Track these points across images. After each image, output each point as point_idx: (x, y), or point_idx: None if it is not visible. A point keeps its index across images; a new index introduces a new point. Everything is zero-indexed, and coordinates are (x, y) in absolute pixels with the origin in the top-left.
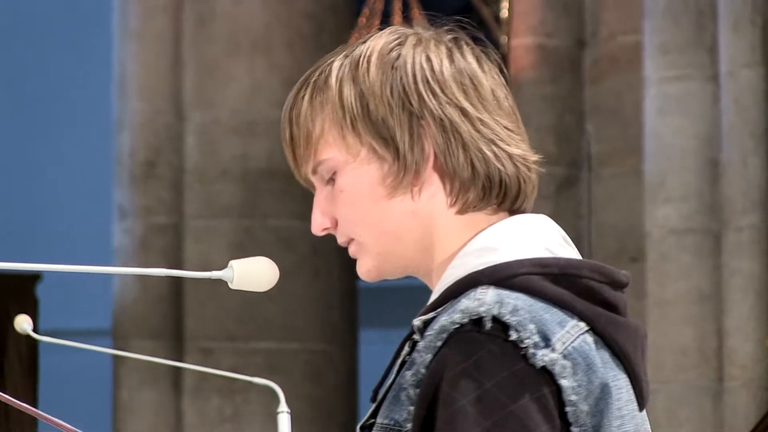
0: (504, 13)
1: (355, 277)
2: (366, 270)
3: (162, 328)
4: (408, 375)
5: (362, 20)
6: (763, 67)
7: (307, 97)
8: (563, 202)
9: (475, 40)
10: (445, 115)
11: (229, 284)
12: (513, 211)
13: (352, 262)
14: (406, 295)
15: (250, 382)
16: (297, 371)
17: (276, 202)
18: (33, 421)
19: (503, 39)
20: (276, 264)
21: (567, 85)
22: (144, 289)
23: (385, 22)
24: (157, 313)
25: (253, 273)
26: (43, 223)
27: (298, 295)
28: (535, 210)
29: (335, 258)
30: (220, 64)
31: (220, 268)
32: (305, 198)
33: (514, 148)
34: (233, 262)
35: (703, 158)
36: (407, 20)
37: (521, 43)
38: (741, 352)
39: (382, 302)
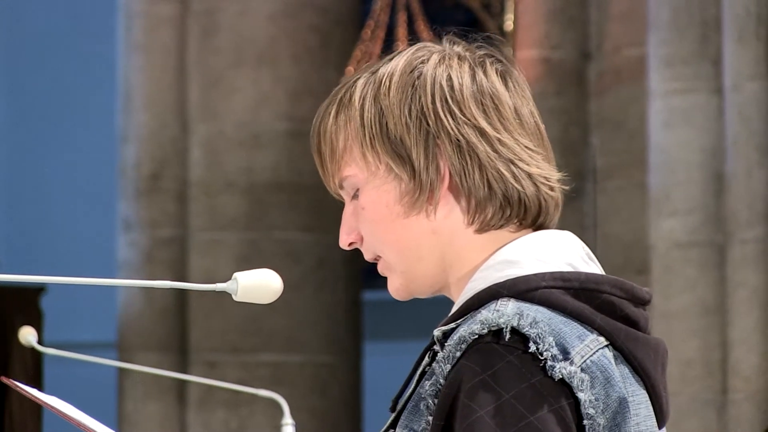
0: (509, 25)
1: (360, 289)
2: (395, 288)
3: (167, 341)
4: (427, 385)
5: (367, 33)
6: (767, 80)
7: (333, 113)
8: (568, 214)
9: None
10: (462, 136)
11: (234, 296)
12: (536, 228)
13: (358, 275)
14: (411, 308)
15: (255, 395)
16: (302, 383)
17: (281, 215)
18: (37, 426)
19: (508, 52)
20: (281, 276)
21: (572, 97)
22: (149, 301)
23: (390, 34)
24: (162, 325)
25: (258, 285)
26: (48, 235)
27: (302, 308)
28: None
29: (340, 271)
30: (225, 77)
31: (225, 281)
32: (310, 210)
33: (534, 167)
34: (237, 275)
35: (708, 171)
36: (412, 33)
37: (526, 55)
38: (745, 365)
39: (386, 315)
